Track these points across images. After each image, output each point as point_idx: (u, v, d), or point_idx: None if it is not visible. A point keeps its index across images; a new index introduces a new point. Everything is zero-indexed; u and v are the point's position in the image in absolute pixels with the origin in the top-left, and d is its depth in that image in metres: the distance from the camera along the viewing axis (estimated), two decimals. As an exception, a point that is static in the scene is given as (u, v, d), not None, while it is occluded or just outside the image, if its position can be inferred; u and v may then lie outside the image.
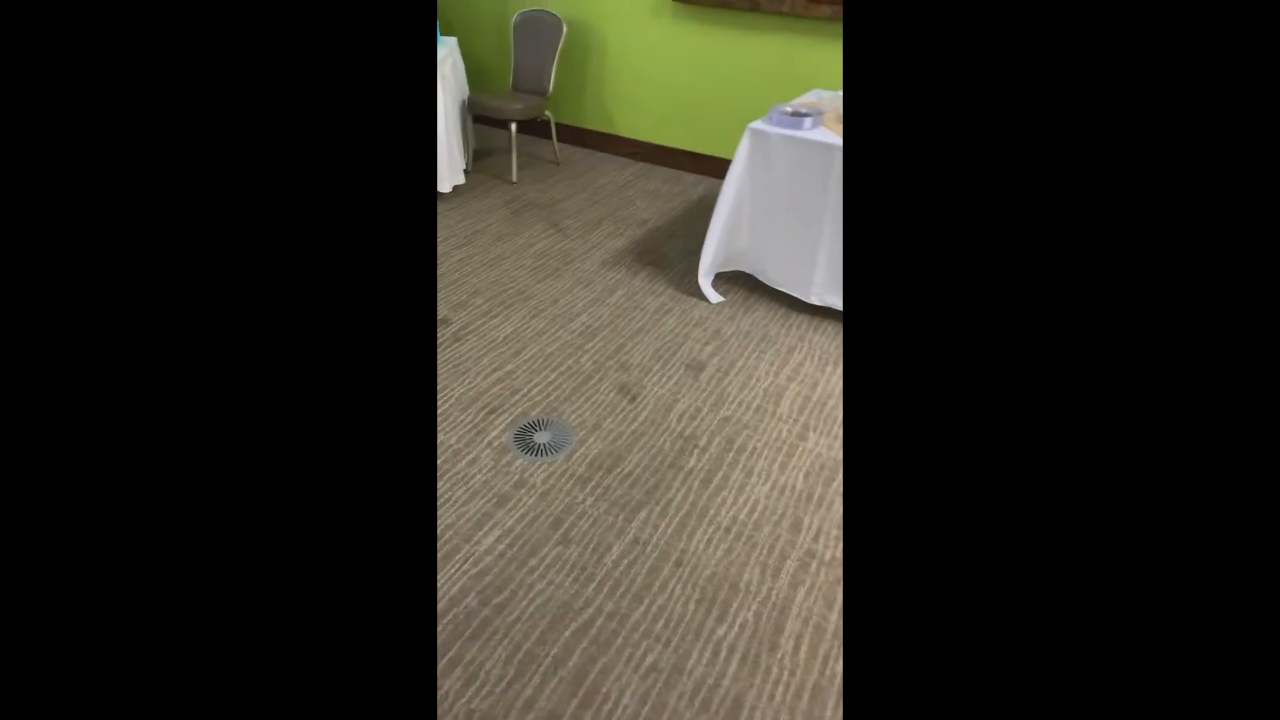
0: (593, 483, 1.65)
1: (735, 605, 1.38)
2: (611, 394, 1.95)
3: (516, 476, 1.65)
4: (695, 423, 1.86)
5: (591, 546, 1.49)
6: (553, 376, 2.01)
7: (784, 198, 2.26)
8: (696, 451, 1.76)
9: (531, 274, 2.57)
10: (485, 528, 1.52)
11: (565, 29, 3.29)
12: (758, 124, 2.23)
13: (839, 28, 2.95)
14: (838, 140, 2.10)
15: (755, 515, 1.58)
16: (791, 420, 1.88)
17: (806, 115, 2.21)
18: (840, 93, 2.40)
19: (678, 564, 1.46)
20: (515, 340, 2.17)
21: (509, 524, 1.53)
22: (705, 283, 2.46)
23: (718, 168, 3.52)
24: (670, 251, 2.80)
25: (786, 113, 2.22)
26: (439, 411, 1.85)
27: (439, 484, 1.62)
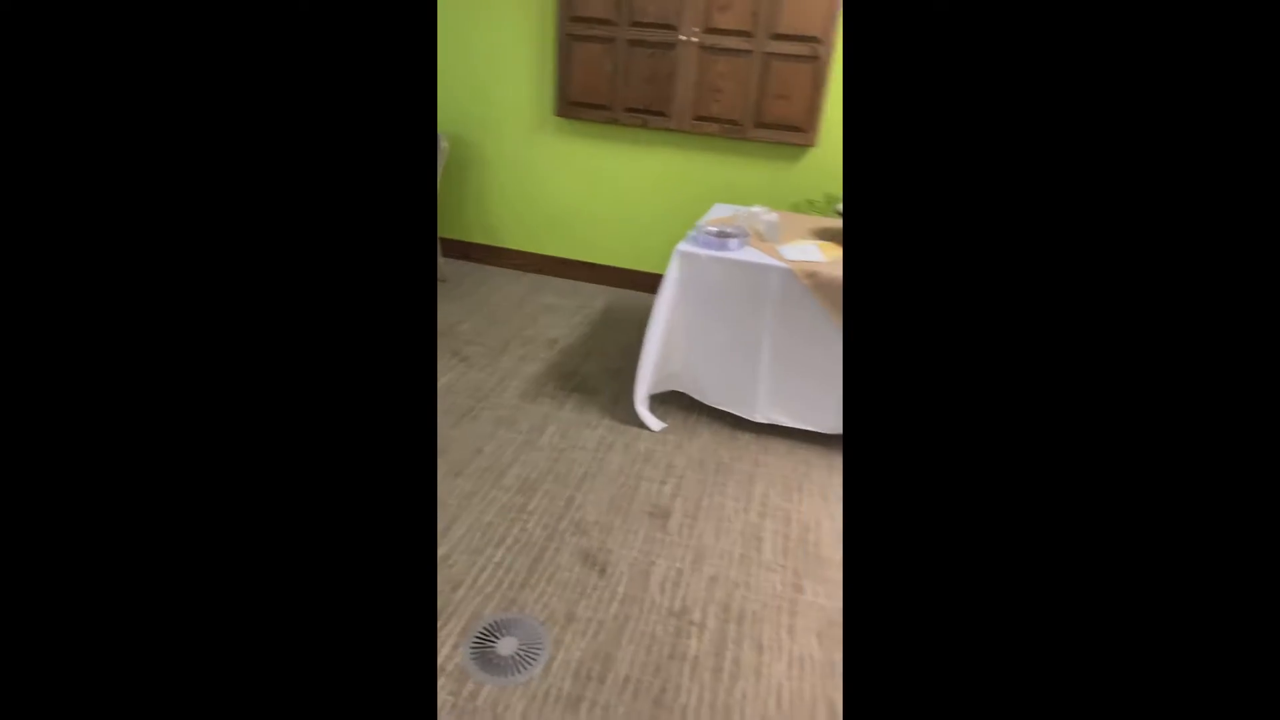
0: (586, 700, 1.33)
1: None
2: (576, 567, 1.66)
3: (488, 714, 1.29)
4: (681, 591, 1.62)
5: (608, 802, 1.16)
6: (499, 554, 1.68)
7: (719, 318, 2.17)
8: (694, 630, 1.51)
9: (442, 417, 2.22)
10: (463, 808, 1.14)
11: (447, 145, 3.09)
12: (685, 246, 2.15)
13: (728, 144, 3.05)
14: (767, 260, 2.08)
15: (785, 707, 1.35)
16: (780, 568, 1.71)
17: (732, 235, 2.17)
18: (754, 209, 2.41)
19: (719, 802, 1.18)
20: (442, 510, 1.81)
21: (494, 793, 1.16)
22: (643, 409, 2.27)
23: (618, 278, 3.44)
24: (592, 372, 2.59)
25: (711, 233, 2.17)
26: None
27: (383, 747, 1.21)
